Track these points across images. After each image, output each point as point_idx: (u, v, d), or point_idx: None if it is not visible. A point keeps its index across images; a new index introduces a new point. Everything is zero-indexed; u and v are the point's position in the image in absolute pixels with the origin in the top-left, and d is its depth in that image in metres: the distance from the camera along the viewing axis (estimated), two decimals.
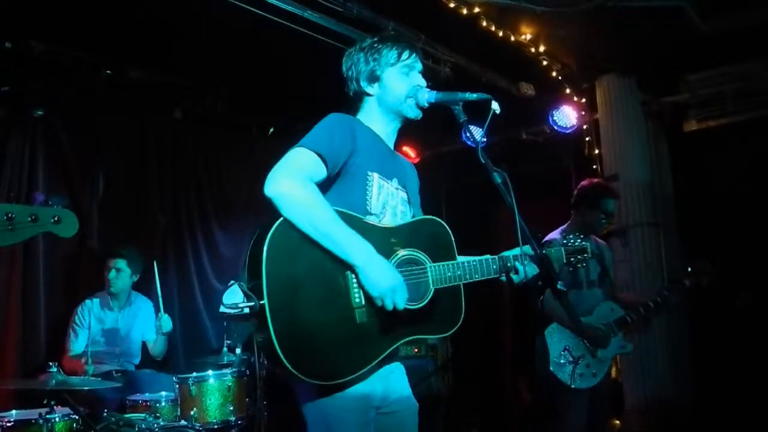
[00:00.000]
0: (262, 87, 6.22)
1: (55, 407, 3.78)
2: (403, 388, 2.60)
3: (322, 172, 2.34)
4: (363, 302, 2.29)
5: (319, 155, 2.32)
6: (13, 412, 3.94)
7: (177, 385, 4.43)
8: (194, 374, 4.48)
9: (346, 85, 2.70)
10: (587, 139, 6.87)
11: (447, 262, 2.48)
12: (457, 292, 2.52)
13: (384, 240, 2.38)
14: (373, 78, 2.63)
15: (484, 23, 5.36)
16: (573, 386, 4.17)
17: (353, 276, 2.28)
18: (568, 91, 6.67)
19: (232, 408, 4.46)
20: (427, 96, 2.60)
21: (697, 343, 6.32)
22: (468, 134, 2.56)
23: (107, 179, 5.85)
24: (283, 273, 2.18)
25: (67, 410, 3.86)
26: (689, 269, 4.42)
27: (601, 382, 4.29)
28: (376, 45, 2.66)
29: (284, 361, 2.12)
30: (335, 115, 2.49)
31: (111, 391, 4.59)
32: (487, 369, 8.02)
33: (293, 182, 2.24)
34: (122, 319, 5.32)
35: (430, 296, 2.41)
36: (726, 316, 6.07)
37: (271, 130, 6.97)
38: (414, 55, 2.66)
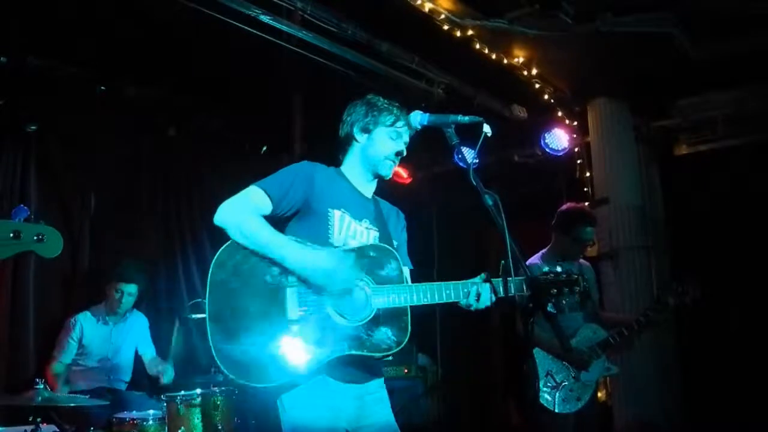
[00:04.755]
0: (255, 105, 6.24)
1: (41, 424, 3.75)
2: (381, 413, 2.69)
3: (268, 208, 2.61)
4: (298, 317, 2.49)
5: (267, 193, 2.60)
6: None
7: (165, 404, 4.40)
8: (182, 392, 4.44)
9: (340, 128, 2.91)
10: (579, 161, 6.91)
11: (391, 285, 2.59)
12: (402, 314, 2.59)
13: None
14: (366, 130, 2.85)
15: (478, 46, 5.42)
16: (557, 410, 4.15)
17: (291, 292, 2.50)
18: (560, 114, 6.72)
19: (220, 427, 4.42)
20: (420, 118, 2.68)
21: (687, 364, 6.32)
22: (459, 156, 2.61)
23: (99, 196, 5.84)
24: (224, 288, 2.49)
25: (53, 428, 3.82)
26: (673, 288, 4.41)
27: (587, 406, 4.27)
28: (379, 105, 2.87)
29: (218, 360, 2.41)
30: (301, 163, 2.77)
31: (98, 409, 4.55)
32: (476, 391, 8.00)
33: (233, 209, 2.55)
34: (115, 333, 5.28)
35: (371, 316, 2.54)
36: (716, 336, 6.08)
37: (264, 148, 6.99)
38: (406, 127, 2.86)
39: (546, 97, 6.37)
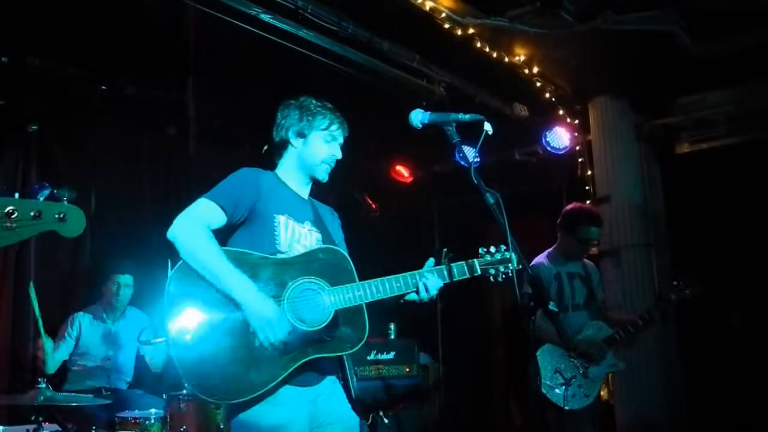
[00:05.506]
0: (256, 104, 6.23)
1: (43, 424, 3.74)
2: (337, 405, 2.72)
3: (221, 219, 2.64)
4: None
5: (218, 204, 2.64)
6: (1, 428, 3.90)
7: (167, 403, 4.40)
8: (184, 391, 4.44)
9: (274, 131, 2.94)
10: (580, 160, 6.91)
11: (345, 285, 2.63)
12: (359, 312, 2.64)
13: (279, 272, 2.59)
14: (301, 134, 2.87)
15: (479, 44, 5.42)
16: (566, 407, 4.15)
17: None
18: (561, 112, 6.71)
19: (222, 426, 4.43)
20: (421, 117, 2.68)
21: (689, 362, 6.32)
22: (461, 154, 2.61)
23: (100, 195, 5.83)
24: (183, 308, 2.47)
25: (55, 427, 3.83)
26: (674, 284, 4.42)
27: (594, 403, 4.28)
28: (312, 108, 2.89)
29: (185, 381, 2.42)
30: (242, 170, 2.80)
31: (100, 408, 4.55)
32: (478, 390, 8.00)
33: (186, 227, 2.59)
34: (115, 332, 5.27)
35: (330, 318, 2.57)
36: (718, 334, 6.08)
37: (265, 148, 6.98)
38: (341, 130, 2.91)
39: (547, 95, 6.37)
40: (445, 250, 2.73)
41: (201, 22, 4.54)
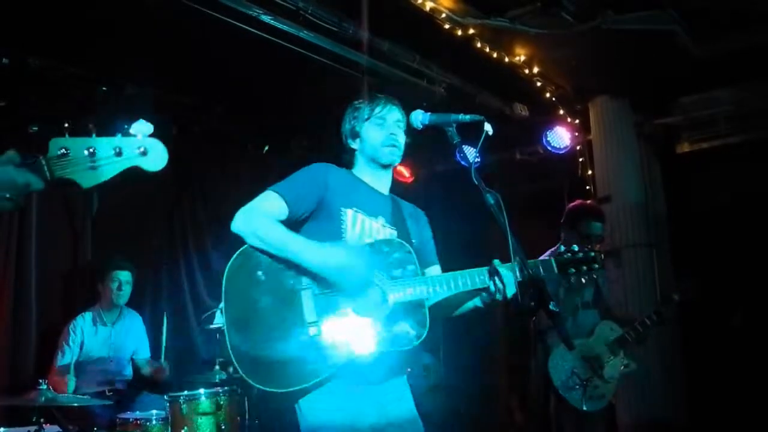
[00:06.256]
0: (257, 105, 6.24)
1: (44, 425, 3.74)
2: (405, 410, 2.69)
3: (284, 211, 2.61)
4: (316, 318, 2.48)
5: (283, 197, 2.60)
6: (1, 429, 3.90)
7: (168, 404, 4.39)
8: (185, 392, 4.43)
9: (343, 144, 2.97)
10: (581, 159, 6.90)
11: (405, 279, 2.57)
12: (420, 307, 2.56)
13: None
14: (354, 134, 2.89)
15: (479, 44, 5.41)
16: (584, 409, 4.11)
17: (306, 294, 2.50)
18: (561, 112, 6.71)
19: (224, 427, 4.42)
20: (421, 118, 2.69)
21: (690, 362, 6.32)
22: (461, 155, 2.62)
23: (102, 196, 5.83)
24: (240, 296, 2.49)
25: (56, 428, 3.82)
26: (676, 284, 4.41)
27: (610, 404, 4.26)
28: (357, 105, 2.92)
29: (240, 370, 2.41)
30: (313, 165, 2.78)
31: (101, 409, 4.55)
32: (480, 388, 7.99)
33: (249, 216, 2.57)
34: (115, 334, 5.27)
35: (387, 312, 2.52)
36: (719, 334, 6.08)
37: (266, 148, 6.98)
38: (386, 108, 2.86)
39: (547, 95, 6.36)
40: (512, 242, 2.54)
41: (201, 22, 4.53)
